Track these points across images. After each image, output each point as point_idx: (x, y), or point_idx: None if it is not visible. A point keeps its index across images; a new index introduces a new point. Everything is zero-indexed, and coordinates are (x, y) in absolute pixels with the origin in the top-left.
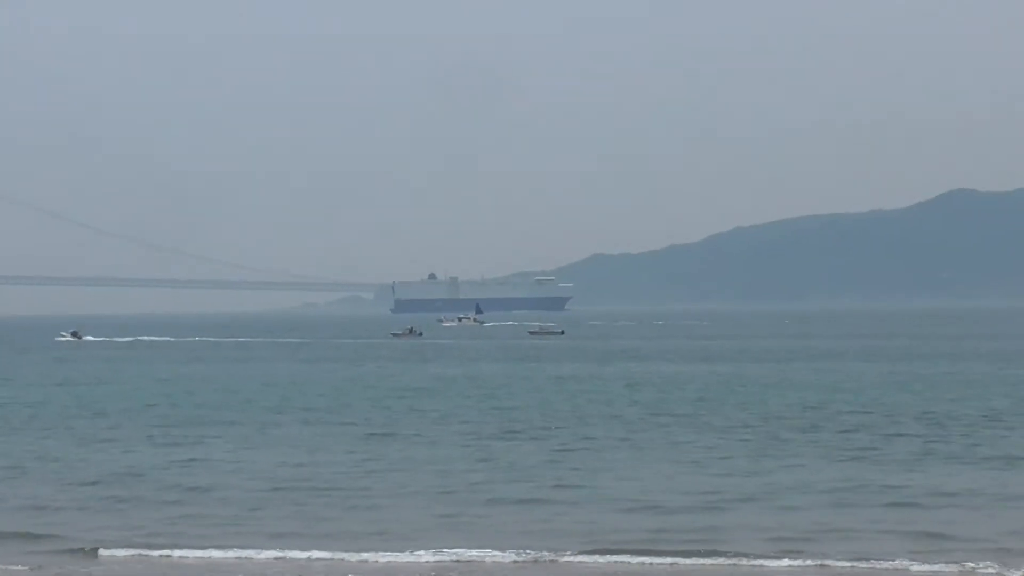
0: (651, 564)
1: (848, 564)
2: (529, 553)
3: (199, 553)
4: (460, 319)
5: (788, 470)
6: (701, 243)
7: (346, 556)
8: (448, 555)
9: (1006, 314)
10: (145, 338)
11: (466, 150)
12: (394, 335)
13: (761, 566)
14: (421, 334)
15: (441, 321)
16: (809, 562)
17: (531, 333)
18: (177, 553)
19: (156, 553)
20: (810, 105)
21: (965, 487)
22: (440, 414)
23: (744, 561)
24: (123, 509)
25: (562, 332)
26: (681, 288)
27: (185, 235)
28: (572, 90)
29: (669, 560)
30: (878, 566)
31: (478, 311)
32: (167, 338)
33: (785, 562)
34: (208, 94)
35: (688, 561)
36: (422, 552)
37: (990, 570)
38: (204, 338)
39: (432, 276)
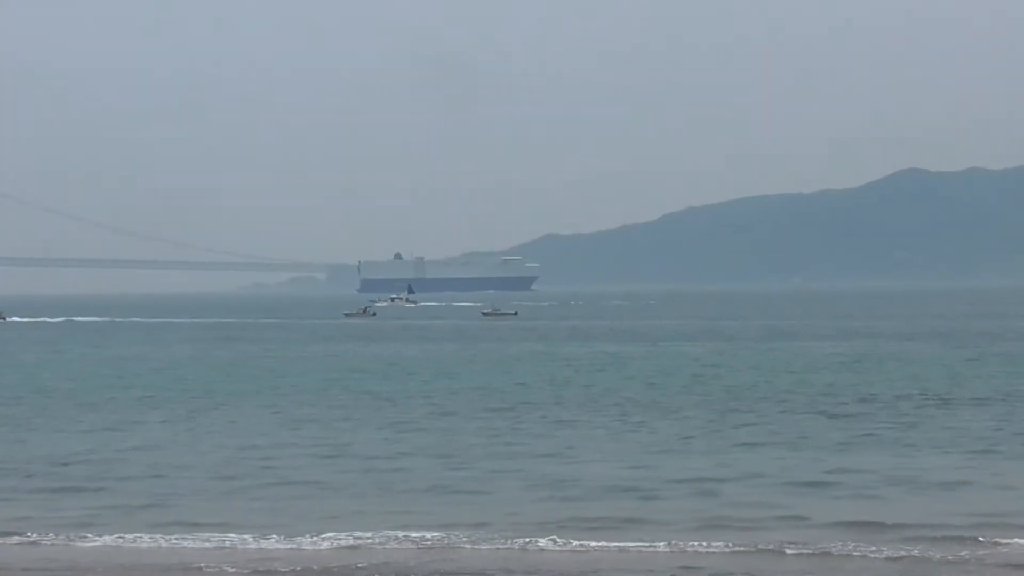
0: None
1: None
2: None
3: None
4: (392, 299)
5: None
6: (655, 223)
7: (255, 542)
8: (344, 540)
9: (957, 294)
10: (79, 319)
11: (428, 125)
12: (347, 315)
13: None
14: (375, 314)
15: (373, 302)
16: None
17: (484, 314)
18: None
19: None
20: (766, 84)
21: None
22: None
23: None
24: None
25: (515, 313)
26: (633, 269)
27: (133, 214)
28: (534, 70)
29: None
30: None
31: (410, 291)
32: (105, 319)
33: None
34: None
35: (599, 544)
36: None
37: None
38: (141, 319)
39: (398, 256)
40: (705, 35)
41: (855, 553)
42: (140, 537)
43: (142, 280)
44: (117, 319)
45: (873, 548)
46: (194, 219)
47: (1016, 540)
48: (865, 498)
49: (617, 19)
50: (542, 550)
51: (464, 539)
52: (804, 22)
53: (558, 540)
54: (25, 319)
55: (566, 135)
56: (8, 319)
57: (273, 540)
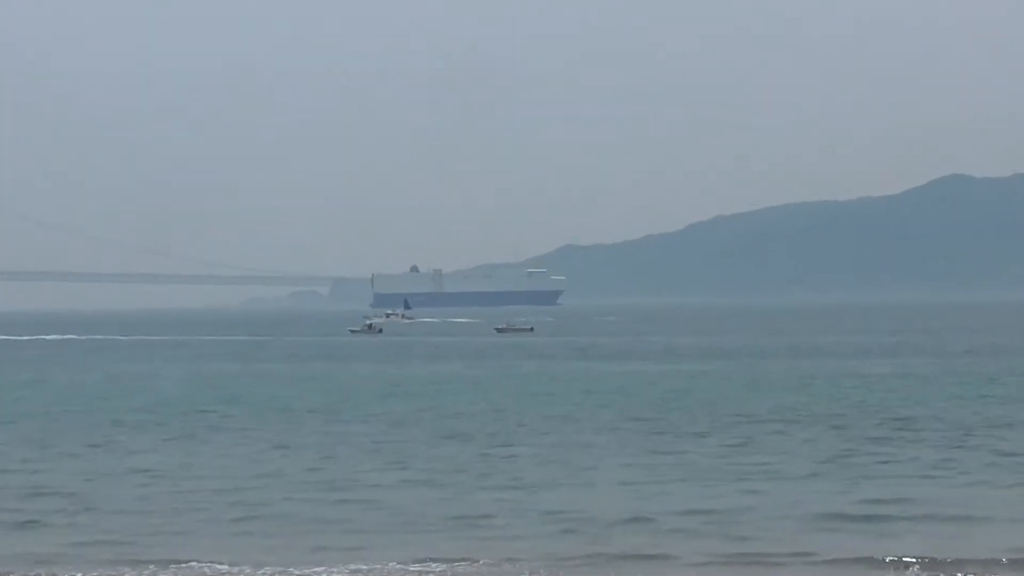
0: None
1: None
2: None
3: None
4: (388, 315)
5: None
6: (680, 233)
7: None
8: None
9: (1000, 309)
10: (48, 337)
11: (442, 131)
12: (352, 332)
13: None
14: (381, 331)
15: (366, 319)
16: None
17: (498, 330)
18: None
19: None
20: (792, 89)
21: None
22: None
23: None
24: None
25: (531, 329)
26: (658, 281)
27: (124, 225)
28: (550, 71)
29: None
30: None
31: (406, 307)
32: (85, 336)
33: None
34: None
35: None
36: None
37: None
38: (116, 336)
39: (414, 269)
40: (734, 34)
41: None
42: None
43: (132, 295)
44: (104, 336)
45: None
46: (187, 229)
47: None
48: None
49: (640, 20)
50: None
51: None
52: (842, 20)
53: None
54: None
55: (585, 141)
56: None
57: (267, 571)
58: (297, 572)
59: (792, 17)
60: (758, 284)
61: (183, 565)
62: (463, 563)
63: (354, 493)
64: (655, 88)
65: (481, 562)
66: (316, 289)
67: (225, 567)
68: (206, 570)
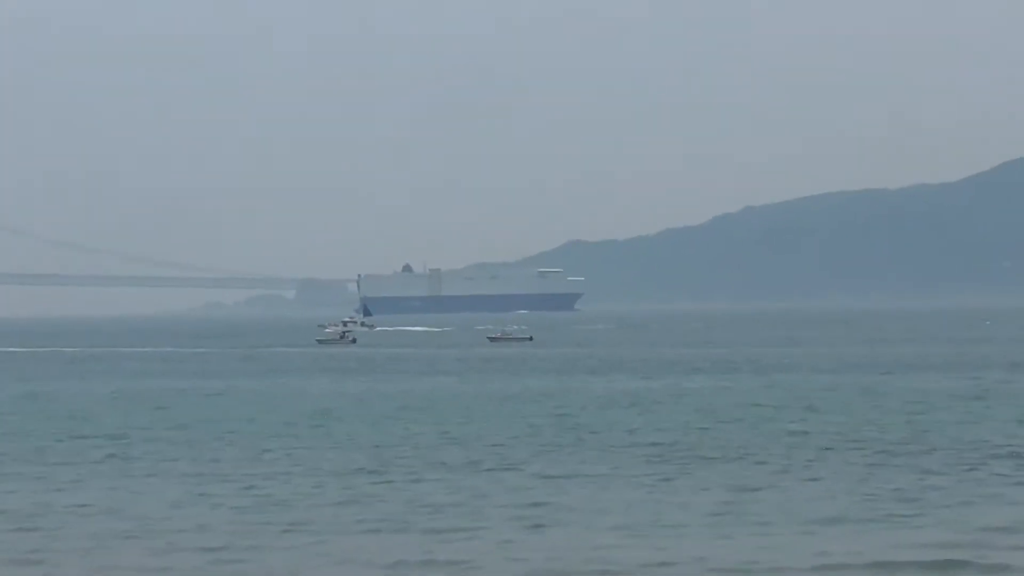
0: None
1: None
2: None
3: None
4: (344, 324)
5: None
6: (704, 227)
7: None
8: None
9: None
10: None
11: (431, 117)
12: (320, 342)
13: None
14: (355, 340)
15: (323, 327)
16: None
17: (491, 339)
18: None
19: None
20: (841, 58)
21: None
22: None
23: None
24: None
25: (530, 338)
26: (678, 281)
27: (73, 224)
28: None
29: None
30: None
31: (365, 313)
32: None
33: None
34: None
35: None
36: None
37: None
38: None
39: (407, 268)
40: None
41: None
42: None
43: (74, 299)
44: (37, 348)
45: None
46: (133, 226)
47: None
48: None
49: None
50: None
51: None
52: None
53: None
54: None
55: (591, 124)
56: None
57: None
58: None
59: None
60: (791, 285)
61: None
62: None
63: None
64: (669, 63)
65: None
66: (280, 292)
67: None
68: None
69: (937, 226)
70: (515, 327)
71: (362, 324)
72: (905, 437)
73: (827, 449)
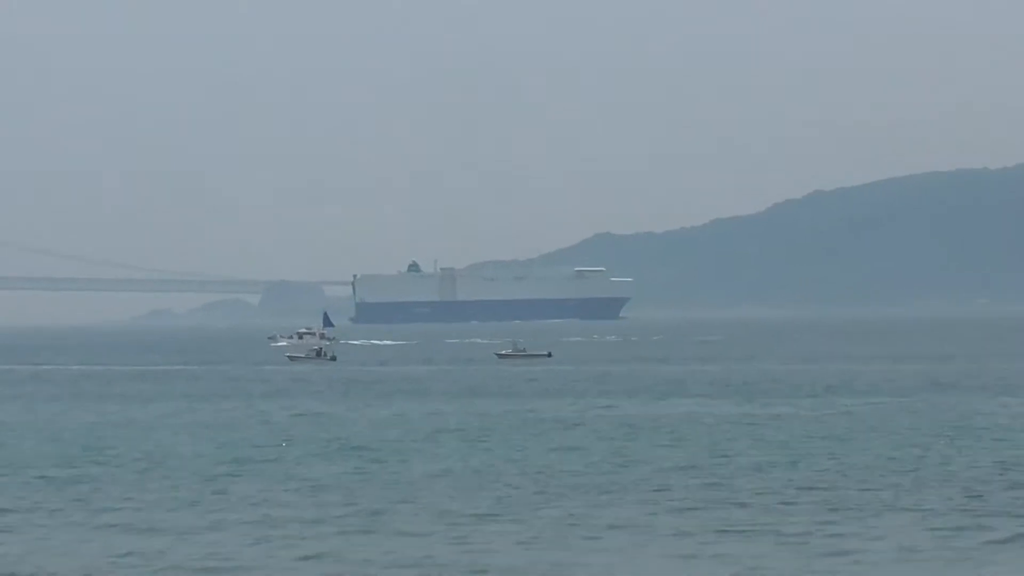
0: None
1: None
2: None
3: None
4: (300, 335)
5: None
6: (761, 216)
7: None
8: None
9: None
10: None
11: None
12: (292, 359)
13: None
14: (334, 358)
15: (273, 340)
16: None
17: (500, 356)
18: None
19: None
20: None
21: None
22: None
23: None
24: None
25: (549, 355)
26: (730, 283)
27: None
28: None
29: None
30: None
31: (326, 323)
32: None
33: None
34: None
35: None
36: None
37: None
38: None
39: (414, 267)
40: None
41: None
42: None
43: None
44: None
45: None
46: (68, 218)
47: None
48: None
49: None
50: None
51: None
52: None
53: None
54: None
55: (620, 102)
56: None
57: None
58: None
59: None
60: (873, 287)
61: None
62: None
63: None
64: (739, 25)
65: None
66: (242, 297)
67: None
68: None
69: None
70: (520, 341)
71: (322, 336)
72: None
73: None
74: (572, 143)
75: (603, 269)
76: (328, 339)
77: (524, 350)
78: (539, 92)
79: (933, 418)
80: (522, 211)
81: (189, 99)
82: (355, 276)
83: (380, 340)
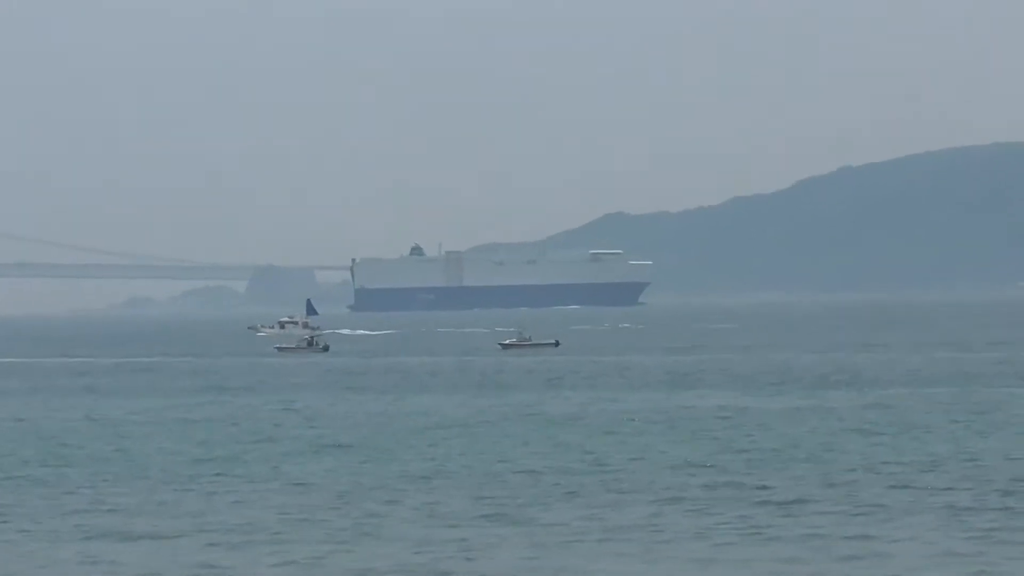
0: None
1: None
2: None
3: None
4: (283, 325)
5: None
6: (786, 193)
7: None
8: None
9: None
10: None
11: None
12: (281, 350)
13: None
14: (327, 348)
15: (254, 329)
16: None
17: (504, 346)
18: None
19: None
20: None
21: None
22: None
23: None
24: None
25: (556, 343)
26: (751, 265)
27: None
28: None
29: None
30: None
31: (310, 311)
32: None
33: None
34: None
35: None
36: None
37: None
38: None
39: (417, 250)
40: None
41: None
42: None
43: None
44: None
45: None
46: (36, 200)
47: None
48: None
49: None
50: None
51: None
52: None
53: None
54: None
55: (630, 69)
56: None
57: None
58: None
59: None
60: (905, 270)
61: None
62: None
63: None
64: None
65: None
66: (227, 284)
67: None
68: None
69: None
70: (525, 332)
71: (306, 325)
72: None
73: None
74: (578, 114)
75: (621, 252)
76: (312, 328)
77: (529, 339)
78: (545, 61)
79: (970, 411)
80: (524, 190)
81: (166, 71)
82: (354, 260)
83: (367, 330)
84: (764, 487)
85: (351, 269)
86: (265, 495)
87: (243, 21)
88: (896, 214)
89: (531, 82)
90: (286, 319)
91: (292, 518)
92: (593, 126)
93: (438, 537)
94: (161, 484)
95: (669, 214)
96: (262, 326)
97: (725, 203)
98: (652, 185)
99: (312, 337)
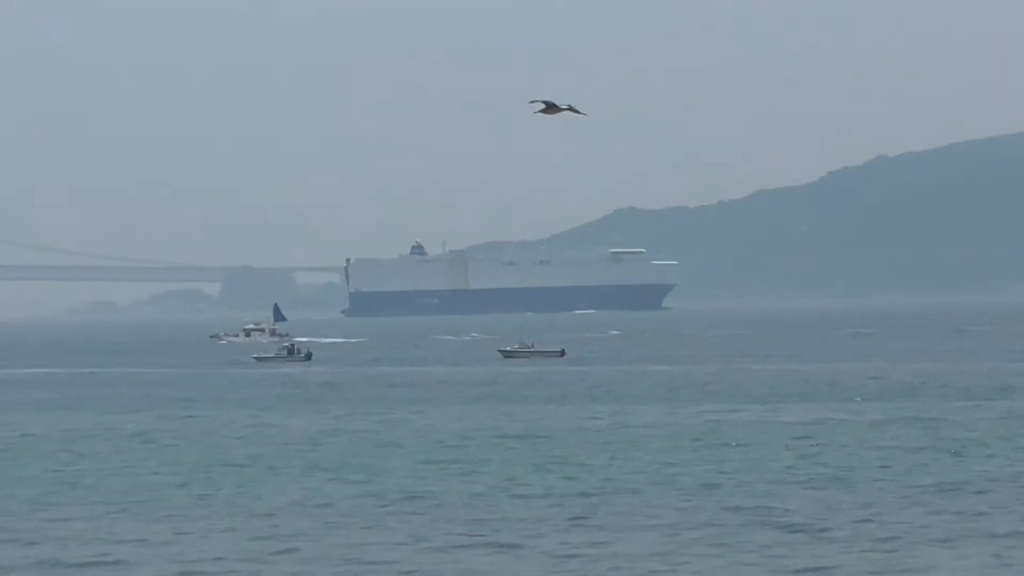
0: None
1: None
2: None
3: None
4: (248, 332)
5: None
6: (815, 186)
7: None
8: None
9: None
10: None
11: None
12: (259, 359)
13: None
14: (309, 356)
15: (217, 338)
16: None
17: (505, 354)
18: None
19: None
20: None
21: None
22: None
23: None
24: None
25: (562, 352)
26: (777, 265)
27: None
28: None
29: None
30: None
31: (277, 316)
32: None
33: None
34: None
35: None
36: None
37: None
38: None
39: (418, 249)
40: None
41: None
42: None
43: None
44: None
45: None
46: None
47: None
48: None
49: None
50: None
51: None
52: None
53: None
54: None
55: (645, 52)
56: None
57: None
58: None
59: None
60: (946, 270)
61: None
62: None
63: None
64: None
65: None
66: (199, 287)
67: None
68: None
69: None
70: (528, 340)
71: (272, 332)
72: None
73: None
74: (590, 99)
75: (643, 250)
76: (281, 335)
77: (532, 346)
78: (554, 48)
79: (1010, 429)
80: (530, 183)
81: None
82: (348, 260)
83: (343, 337)
84: (789, 509)
85: (345, 270)
86: (236, 519)
87: (243, 21)
88: (937, 208)
89: (531, 73)
90: (251, 326)
91: (271, 546)
92: (601, 117)
93: (425, 561)
94: (116, 508)
95: (686, 209)
96: (225, 334)
97: (748, 197)
98: (664, 179)
99: (292, 345)
